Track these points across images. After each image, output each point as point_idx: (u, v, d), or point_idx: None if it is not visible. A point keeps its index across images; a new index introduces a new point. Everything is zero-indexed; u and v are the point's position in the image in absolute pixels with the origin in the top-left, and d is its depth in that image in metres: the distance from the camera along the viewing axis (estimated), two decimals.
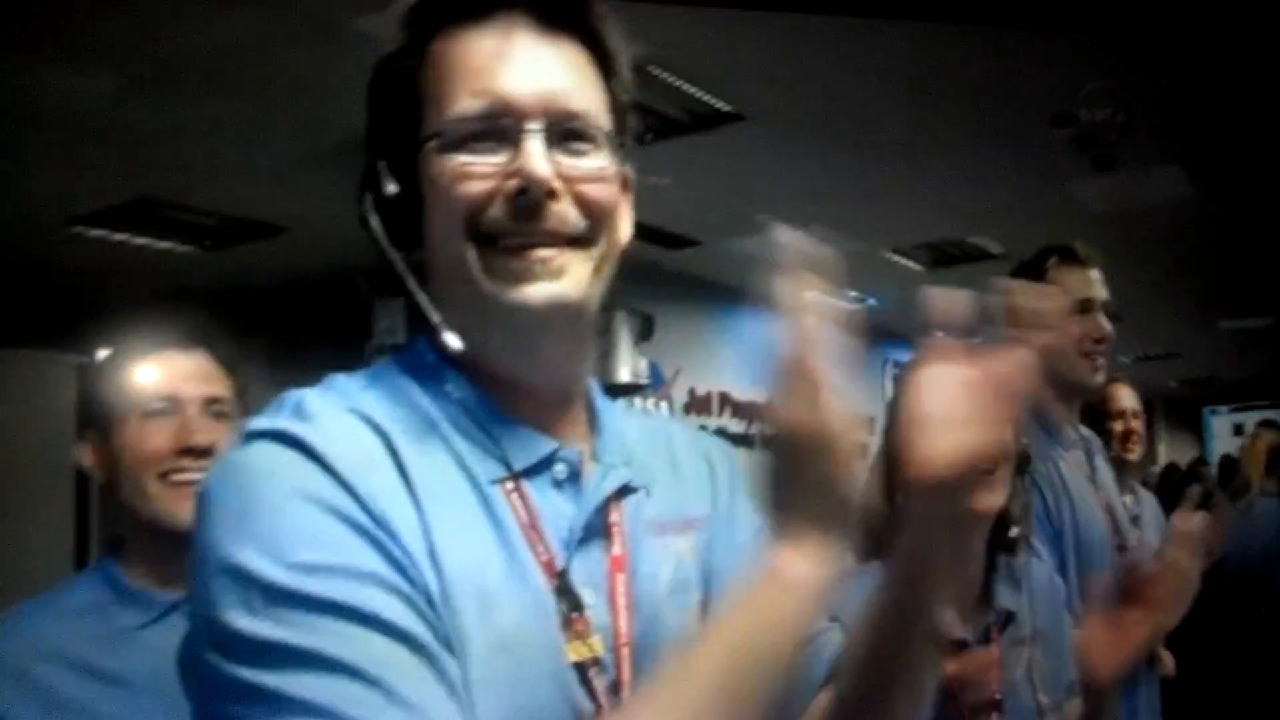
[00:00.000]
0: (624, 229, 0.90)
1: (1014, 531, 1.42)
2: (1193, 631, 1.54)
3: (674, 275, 5.35)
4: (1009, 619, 1.41)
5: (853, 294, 5.63)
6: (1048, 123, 3.43)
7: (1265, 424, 4.18)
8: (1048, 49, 2.99)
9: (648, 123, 3.43)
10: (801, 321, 0.73)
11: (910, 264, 5.53)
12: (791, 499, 0.76)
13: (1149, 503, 2.47)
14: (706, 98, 3.32)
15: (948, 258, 5.50)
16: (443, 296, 0.85)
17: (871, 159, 3.89)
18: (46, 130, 3.27)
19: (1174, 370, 9.88)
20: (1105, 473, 2.10)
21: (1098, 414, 2.52)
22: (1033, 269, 2.01)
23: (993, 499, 1.34)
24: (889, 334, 5.30)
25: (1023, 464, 1.41)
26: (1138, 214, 4.49)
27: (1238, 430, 10.45)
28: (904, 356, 6.13)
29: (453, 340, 0.83)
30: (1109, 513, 2.01)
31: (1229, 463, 6.86)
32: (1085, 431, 2.09)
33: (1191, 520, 1.31)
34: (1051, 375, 1.99)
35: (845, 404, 0.74)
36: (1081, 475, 1.98)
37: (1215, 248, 5.39)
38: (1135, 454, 2.59)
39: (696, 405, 5.76)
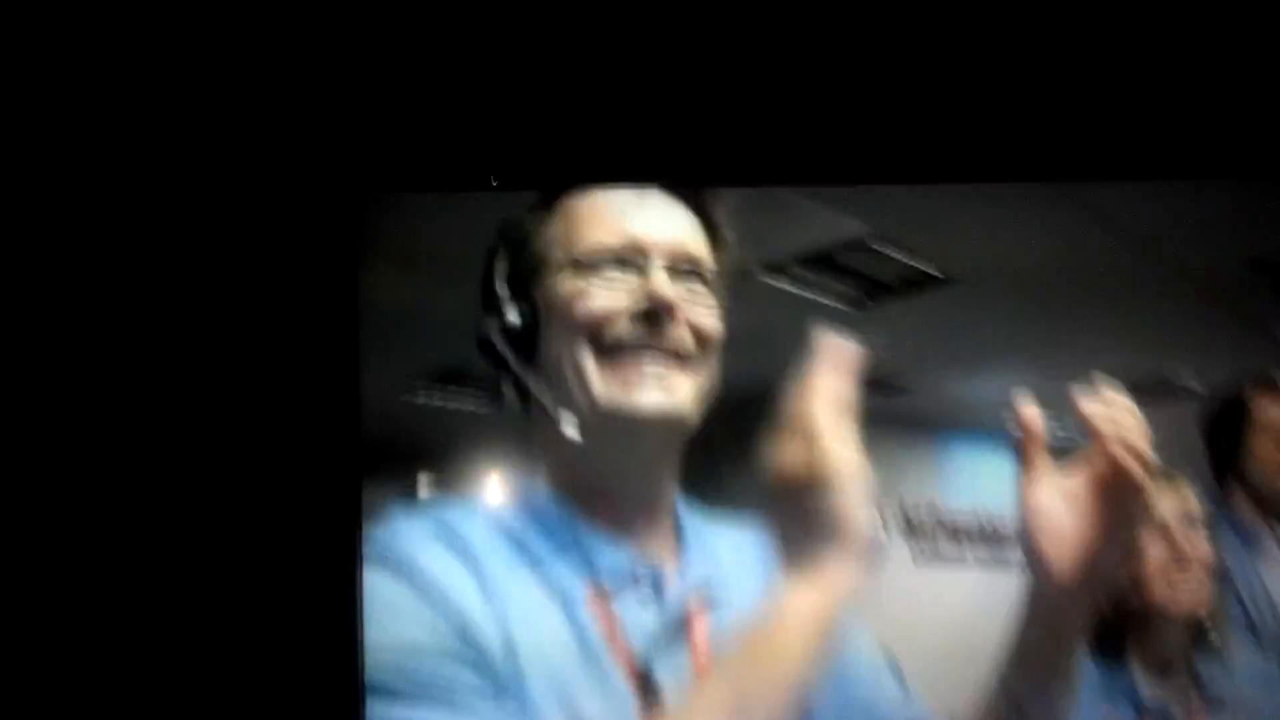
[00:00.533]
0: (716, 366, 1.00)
1: (1211, 638, 1.61)
2: None
3: (891, 418, 5.50)
4: None
5: (1058, 428, 5.67)
6: (1249, 269, 3.47)
7: None
8: (1249, 195, 3.08)
9: (866, 289, 3.72)
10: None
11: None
12: (789, 532, 0.85)
13: None
14: (919, 265, 3.57)
15: (1149, 392, 5.41)
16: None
17: (1071, 305, 4.01)
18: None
19: None
20: None
21: None
22: (1232, 401, 2.26)
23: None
24: None
25: (1219, 573, 1.60)
26: None
27: None
28: None
29: (569, 429, 0.95)
30: None
31: None
32: None
33: None
34: (1251, 490, 2.12)
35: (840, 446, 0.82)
36: None
37: None
38: None
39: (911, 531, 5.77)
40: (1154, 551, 1.61)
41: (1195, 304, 3.79)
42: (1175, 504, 1.65)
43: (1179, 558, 1.59)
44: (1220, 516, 1.81)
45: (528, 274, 1.02)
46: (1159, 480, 1.52)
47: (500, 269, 1.04)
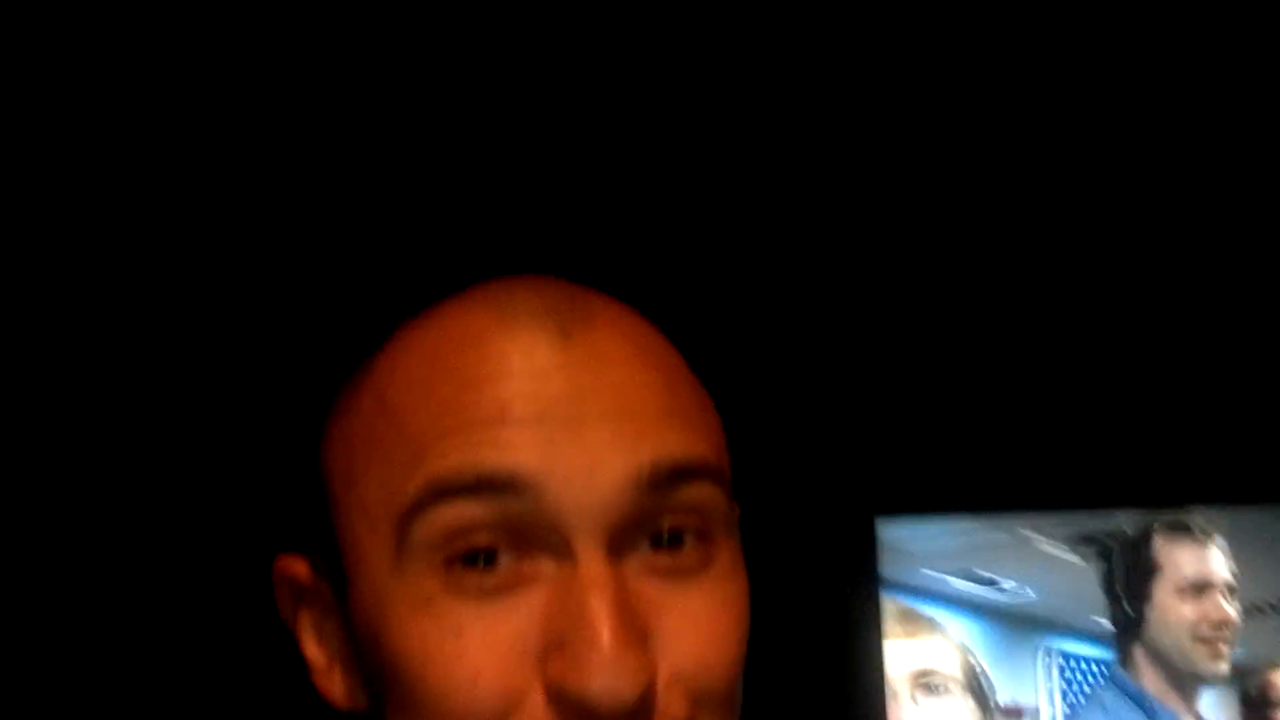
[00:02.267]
0: None
1: None
2: None
3: None
4: None
5: (1009, 583, 5.61)
6: None
7: None
8: None
9: None
10: None
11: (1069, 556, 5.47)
12: None
13: None
14: None
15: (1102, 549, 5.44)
16: None
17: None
18: None
19: None
20: None
21: (1257, 704, 2.17)
22: (1135, 544, 1.97)
23: None
24: (1046, 623, 5.28)
25: None
26: None
27: None
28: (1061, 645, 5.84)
29: None
30: None
31: None
32: None
33: None
34: (1162, 662, 1.90)
35: None
36: None
37: None
38: None
39: None
40: None
41: None
42: None
43: None
44: (1116, 682, 1.73)
45: None
46: None
47: None
